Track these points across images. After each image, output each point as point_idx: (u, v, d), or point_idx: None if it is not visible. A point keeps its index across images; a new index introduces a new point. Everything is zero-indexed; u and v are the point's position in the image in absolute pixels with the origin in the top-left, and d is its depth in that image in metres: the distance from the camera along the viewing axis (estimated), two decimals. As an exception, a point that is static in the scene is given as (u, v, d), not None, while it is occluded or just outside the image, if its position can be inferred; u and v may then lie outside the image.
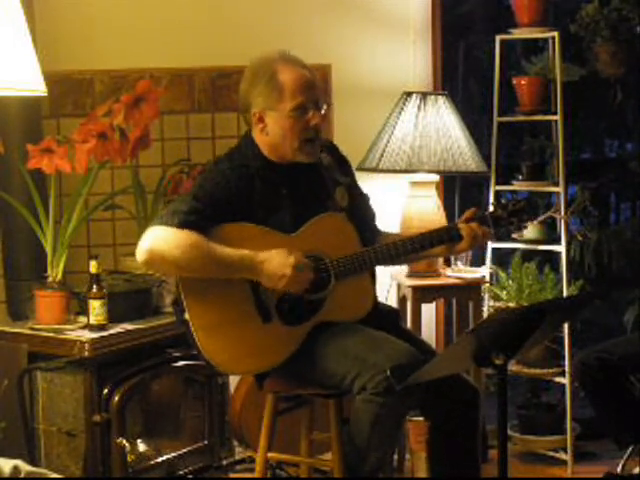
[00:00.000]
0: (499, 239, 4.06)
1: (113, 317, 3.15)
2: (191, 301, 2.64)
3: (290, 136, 2.71)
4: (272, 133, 2.73)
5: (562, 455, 3.90)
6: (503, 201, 2.90)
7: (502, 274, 3.95)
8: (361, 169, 3.77)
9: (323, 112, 2.75)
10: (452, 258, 3.89)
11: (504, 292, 3.89)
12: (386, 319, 2.83)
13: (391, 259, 2.78)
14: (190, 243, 2.57)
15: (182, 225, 2.59)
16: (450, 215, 4.32)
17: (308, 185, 2.79)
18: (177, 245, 2.57)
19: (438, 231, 2.82)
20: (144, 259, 2.61)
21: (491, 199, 4.01)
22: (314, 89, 2.74)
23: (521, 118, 4.05)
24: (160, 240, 2.59)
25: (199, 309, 2.65)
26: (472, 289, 3.77)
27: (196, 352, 2.68)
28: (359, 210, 2.87)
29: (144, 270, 3.35)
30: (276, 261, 2.60)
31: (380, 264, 2.80)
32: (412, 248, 2.77)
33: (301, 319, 2.70)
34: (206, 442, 3.37)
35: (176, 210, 2.63)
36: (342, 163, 2.93)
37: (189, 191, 2.80)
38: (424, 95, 3.80)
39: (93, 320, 3.10)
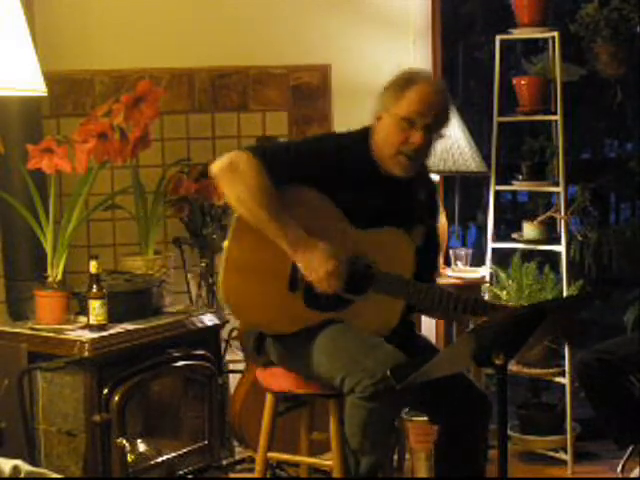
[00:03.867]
0: (498, 239, 4.06)
1: (113, 317, 3.15)
2: (237, 233, 2.68)
3: (389, 142, 2.72)
4: (379, 134, 2.76)
5: (562, 455, 3.90)
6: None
7: (502, 274, 3.95)
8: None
9: (433, 139, 2.74)
10: (452, 258, 3.90)
11: (504, 292, 3.89)
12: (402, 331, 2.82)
13: (431, 305, 2.71)
14: (262, 180, 2.60)
15: (265, 161, 2.62)
16: (450, 215, 4.33)
17: (394, 201, 2.79)
18: (251, 173, 2.60)
19: (488, 307, 2.75)
20: (221, 167, 2.63)
21: (491, 199, 4.02)
22: (434, 114, 2.72)
23: (521, 118, 4.05)
24: (241, 160, 2.62)
25: (240, 244, 2.68)
26: (472, 289, 3.77)
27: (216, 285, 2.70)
28: (428, 255, 2.85)
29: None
30: (318, 255, 2.62)
31: (417, 302, 2.72)
32: (455, 307, 2.70)
33: (321, 308, 2.70)
34: (206, 442, 3.37)
35: (266, 148, 2.73)
36: (435, 206, 2.98)
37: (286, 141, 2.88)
38: (424, 95, 3.79)
39: (93, 320, 3.10)
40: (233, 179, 2.62)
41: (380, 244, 2.74)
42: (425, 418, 3.24)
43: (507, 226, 6.32)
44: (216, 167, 2.65)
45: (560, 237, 3.90)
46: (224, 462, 3.46)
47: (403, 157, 2.73)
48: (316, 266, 2.62)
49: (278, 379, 2.83)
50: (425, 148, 2.74)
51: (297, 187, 2.69)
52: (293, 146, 2.82)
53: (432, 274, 2.96)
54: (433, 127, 2.73)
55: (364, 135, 2.80)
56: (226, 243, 2.69)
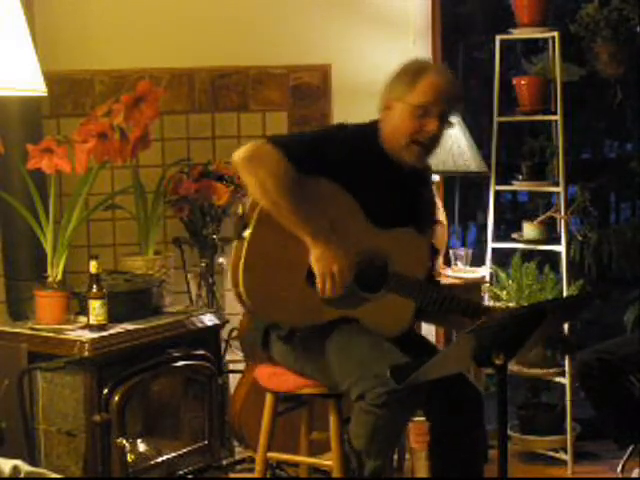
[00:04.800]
0: (498, 239, 4.06)
1: (113, 317, 3.15)
2: (259, 223, 2.66)
3: (403, 131, 2.74)
4: (392, 122, 2.76)
5: (562, 455, 3.90)
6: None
7: (502, 274, 3.95)
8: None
9: (442, 125, 2.75)
10: (452, 258, 3.89)
11: (504, 292, 3.89)
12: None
13: (440, 308, 2.74)
14: (285, 169, 2.60)
15: (286, 152, 2.62)
16: (450, 215, 4.32)
17: (405, 193, 2.81)
18: (273, 163, 2.60)
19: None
20: (243, 156, 2.63)
21: (491, 199, 4.02)
22: (447, 102, 2.75)
23: (521, 118, 4.05)
24: (263, 151, 2.62)
25: (262, 234, 2.66)
26: (472, 289, 3.77)
27: (231, 273, 2.68)
28: None
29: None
30: (333, 250, 2.62)
31: (430, 305, 2.74)
32: (464, 313, 2.75)
33: (337, 304, 2.69)
34: (206, 442, 3.37)
35: (286, 140, 2.73)
36: (434, 202, 3.02)
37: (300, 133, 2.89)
38: (424, 95, 3.79)
39: (93, 320, 3.09)
40: (257, 168, 2.62)
41: (396, 243, 2.75)
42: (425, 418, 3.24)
43: (507, 226, 6.33)
44: (239, 156, 2.64)
45: (560, 237, 3.90)
46: (224, 462, 3.46)
47: (416, 146, 2.75)
48: (330, 259, 2.62)
49: (278, 379, 2.83)
50: (439, 136, 2.76)
51: (317, 179, 2.68)
52: (309, 135, 2.84)
53: (433, 272, 2.96)
54: (446, 115, 2.75)
55: (374, 128, 2.81)
56: (247, 234, 2.65)
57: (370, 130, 2.81)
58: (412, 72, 2.76)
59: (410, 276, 2.73)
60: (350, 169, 2.71)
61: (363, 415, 2.58)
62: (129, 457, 3.11)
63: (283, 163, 2.61)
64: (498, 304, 3.88)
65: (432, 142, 2.76)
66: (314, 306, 2.68)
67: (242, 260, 2.64)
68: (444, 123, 2.76)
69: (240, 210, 2.76)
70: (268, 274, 2.67)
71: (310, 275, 2.67)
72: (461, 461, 2.80)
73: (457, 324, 2.87)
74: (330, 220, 2.67)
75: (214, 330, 3.43)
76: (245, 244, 2.65)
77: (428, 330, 3.94)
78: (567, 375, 3.84)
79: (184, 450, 3.33)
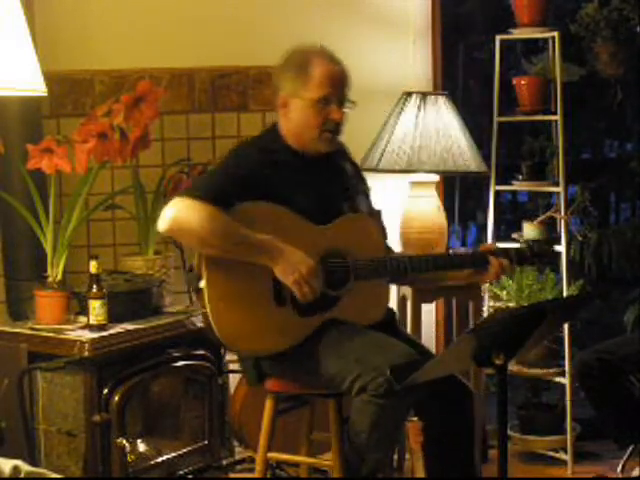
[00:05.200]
0: (498, 239, 4.06)
1: (113, 317, 3.15)
2: (210, 270, 2.64)
3: (310, 125, 2.76)
4: (294, 120, 2.77)
5: (562, 455, 3.90)
6: (530, 242, 2.93)
7: (502, 274, 3.95)
8: (361, 169, 3.77)
9: (347, 110, 2.79)
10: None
11: (504, 292, 3.89)
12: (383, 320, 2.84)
13: (413, 270, 2.77)
14: (211, 215, 2.59)
15: (205, 198, 2.60)
16: (450, 215, 4.32)
17: (327, 181, 2.83)
18: (199, 216, 2.59)
19: (469, 255, 2.83)
20: (167, 227, 2.63)
21: (491, 199, 4.02)
22: (341, 86, 2.79)
23: (521, 118, 4.05)
24: (183, 210, 2.61)
25: (216, 279, 2.65)
26: (472, 289, 3.77)
27: (203, 322, 2.68)
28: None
29: (143, 272, 3.35)
30: (297, 255, 2.62)
31: (400, 274, 2.78)
32: (435, 265, 2.80)
33: (313, 312, 2.70)
34: (206, 442, 3.37)
35: (200, 184, 2.71)
36: (363, 178, 3.00)
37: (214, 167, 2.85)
38: (424, 95, 3.80)
39: (93, 320, 3.10)
40: (187, 228, 2.61)
41: (344, 233, 2.76)
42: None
43: (507, 226, 6.33)
44: (164, 227, 2.63)
45: (560, 237, 3.90)
46: (224, 462, 3.46)
47: (327, 134, 2.77)
48: (297, 265, 2.61)
49: (279, 380, 2.83)
50: (344, 119, 2.79)
51: (249, 204, 2.67)
52: (220, 171, 2.77)
53: (385, 238, 2.97)
54: (345, 96, 2.79)
55: (274, 131, 2.82)
56: (203, 283, 2.65)
57: (272, 135, 2.83)
58: (298, 65, 2.77)
59: (370, 258, 2.74)
60: (271, 181, 2.72)
61: (364, 407, 2.58)
62: (129, 457, 3.11)
63: (208, 210, 2.59)
64: (498, 304, 3.88)
65: (340, 126, 2.80)
66: (293, 323, 2.69)
67: (209, 311, 2.64)
68: (344, 104, 2.79)
69: (189, 265, 2.77)
70: (238, 313, 2.66)
71: (277, 296, 2.67)
72: (453, 460, 2.81)
73: (435, 278, 2.93)
74: (279, 237, 2.66)
75: (214, 330, 3.43)
76: (205, 296, 2.65)
77: (428, 330, 3.95)
78: (567, 375, 3.84)
79: (184, 450, 3.33)
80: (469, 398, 2.81)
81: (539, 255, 2.89)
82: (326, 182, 2.83)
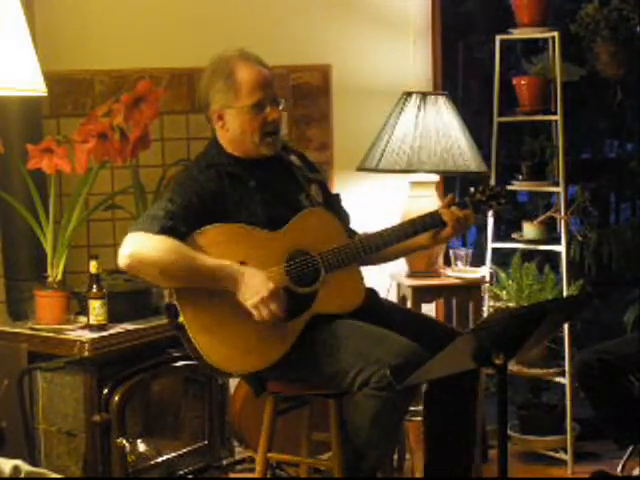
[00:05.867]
0: (498, 239, 4.06)
1: (113, 317, 3.15)
2: (185, 304, 2.63)
3: (250, 132, 2.76)
4: (232, 130, 2.78)
5: (562, 455, 3.90)
6: (481, 187, 2.92)
7: (502, 274, 3.95)
8: (361, 169, 3.78)
9: (281, 107, 2.81)
10: (452, 258, 3.89)
11: (504, 292, 3.89)
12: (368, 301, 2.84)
13: (378, 249, 2.79)
14: (169, 247, 2.58)
15: (160, 230, 2.59)
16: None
17: (278, 180, 2.83)
18: (156, 249, 2.58)
19: (421, 217, 2.84)
20: (125, 264, 2.60)
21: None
22: (271, 86, 2.80)
23: (521, 118, 4.05)
24: (139, 245, 2.60)
25: (193, 311, 2.64)
26: (472, 289, 3.77)
27: (193, 355, 2.67)
28: (333, 208, 2.90)
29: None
30: (256, 279, 2.60)
31: (368, 254, 2.79)
32: (398, 236, 2.80)
33: (295, 314, 2.70)
34: (206, 442, 3.37)
35: (153, 215, 2.65)
36: (312, 165, 2.98)
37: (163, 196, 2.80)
38: (424, 95, 3.80)
39: (93, 320, 3.10)
40: (145, 263, 2.59)
41: (304, 230, 2.76)
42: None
43: (507, 226, 6.32)
44: (124, 264, 2.61)
45: (560, 237, 3.90)
46: (224, 462, 3.46)
47: (268, 137, 2.78)
48: (259, 287, 2.59)
49: (279, 383, 2.83)
50: (281, 117, 2.82)
51: (203, 230, 2.65)
52: (171, 199, 2.70)
53: (348, 222, 2.96)
54: (276, 94, 2.81)
55: (215, 145, 2.83)
56: (181, 319, 2.63)
57: (215, 150, 2.83)
58: (224, 75, 2.76)
59: (335, 247, 2.74)
60: (223, 197, 2.71)
61: (365, 402, 2.58)
62: (129, 457, 3.11)
63: (164, 241, 2.58)
64: (498, 304, 3.88)
65: (278, 125, 2.81)
66: (279, 332, 2.68)
67: (195, 344, 2.63)
68: (279, 103, 2.80)
69: (164, 305, 2.75)
70: (224, 339, 2.65)
71: None
72: (452, 428, 2.81)
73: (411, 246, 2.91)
74: (241, 256, 2.65)
75: (214, 330, 3.43)
76: (187, 329, 2.63)
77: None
78: (567, 375, 3.84)
79: (184, 450, 3.33)
80: (473, 398, 2.81)
81: (494, 196, 2.87)
82: (279, 181, 2.83)
